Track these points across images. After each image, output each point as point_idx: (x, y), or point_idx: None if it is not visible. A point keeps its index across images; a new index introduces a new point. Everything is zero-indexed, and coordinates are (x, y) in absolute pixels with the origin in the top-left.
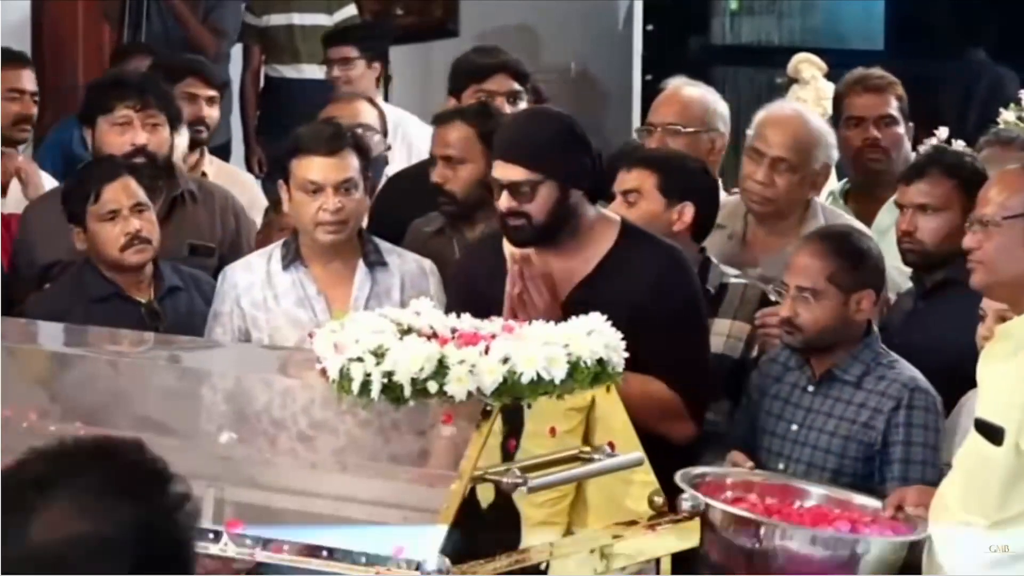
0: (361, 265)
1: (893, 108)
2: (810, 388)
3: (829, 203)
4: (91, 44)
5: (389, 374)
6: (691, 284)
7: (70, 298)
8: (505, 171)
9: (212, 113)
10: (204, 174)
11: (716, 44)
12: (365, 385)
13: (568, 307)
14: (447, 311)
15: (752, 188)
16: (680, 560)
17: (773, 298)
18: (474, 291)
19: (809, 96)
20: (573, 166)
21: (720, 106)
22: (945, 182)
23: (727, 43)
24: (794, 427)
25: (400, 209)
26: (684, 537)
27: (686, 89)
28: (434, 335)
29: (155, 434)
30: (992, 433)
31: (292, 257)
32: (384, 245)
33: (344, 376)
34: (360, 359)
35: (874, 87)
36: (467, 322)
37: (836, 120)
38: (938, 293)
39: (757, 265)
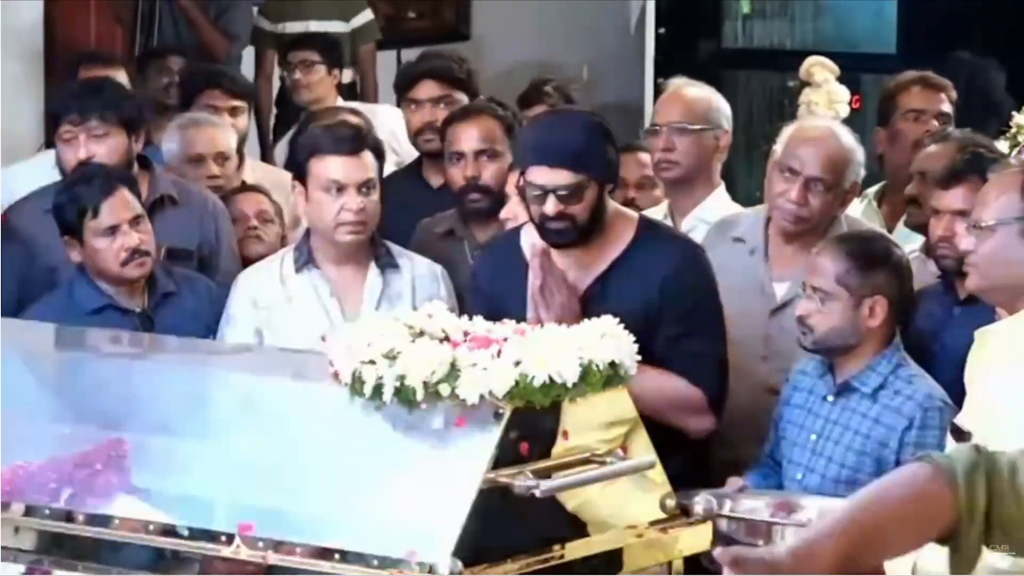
0: (373, 267)
1: (948, 108)
2: (829, 398)
3: (863, 206)
4: (104, 48)
5: (401, 377)
6: (707, 277)
7: (62, 312)
8: (551, 176)
9: (238, 123)
10: (244, 182)
11: (728, 48)
12: (377, 388)
13: (585, 302)
14: (469, 314)
15: (785, 207)
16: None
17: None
18: (495, 292)
19: (821, 99)
20: (610, 165)
21: (723, 104)
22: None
23: (739, 46)
24: (813, 436)
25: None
26: (696, 540)
27: (688, 88)
28: (446, 338)
29: (169, 437)
30: (960, 437)
31: (305, 260)
32: (395, 248)
33: (356, 379)
34: (372, 362)
35: (934, 85)
36: (479, 325)
37: (885, 118)
38: (975, 299)
39: (782, 281)
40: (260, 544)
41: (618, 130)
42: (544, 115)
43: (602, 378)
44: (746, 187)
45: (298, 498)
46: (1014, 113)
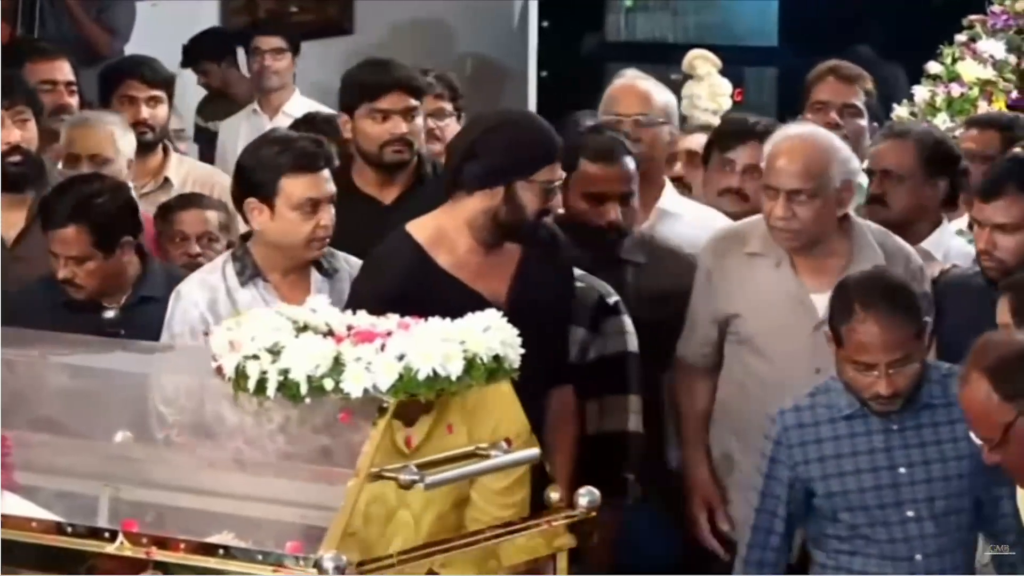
0: (315, 274)
1: (859, 100)
2: (894, 427)
3: None
4: None
5: (285, 372)
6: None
7: (41, 300)
8: (561, 170)
9: (156, 113)
10: (167, 179)
11: (611, 40)
12: (261, 383)
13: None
14: None
15: (776, 225)
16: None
17: None
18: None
19: (704, 92)
20: None
21: (672, 99)
22: (1022, 199)
23: (622, 39)
24: (902, 470)
25: None
26: (581, 533)
27: (642, 82)
28: (330, 332)
29: (51, 434)
30: None
31: (252, 272)
32: (331, 251)
33: (240, 374)
34: (256, 357)
35: (844, 76)
36: (363, 319)
37: (801, 107)
38: None
39: (819, 293)
40: (144, 540)
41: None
42: (515, 117)
43: (486, 371)
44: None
45: (182, 494)
46: (895, 105)
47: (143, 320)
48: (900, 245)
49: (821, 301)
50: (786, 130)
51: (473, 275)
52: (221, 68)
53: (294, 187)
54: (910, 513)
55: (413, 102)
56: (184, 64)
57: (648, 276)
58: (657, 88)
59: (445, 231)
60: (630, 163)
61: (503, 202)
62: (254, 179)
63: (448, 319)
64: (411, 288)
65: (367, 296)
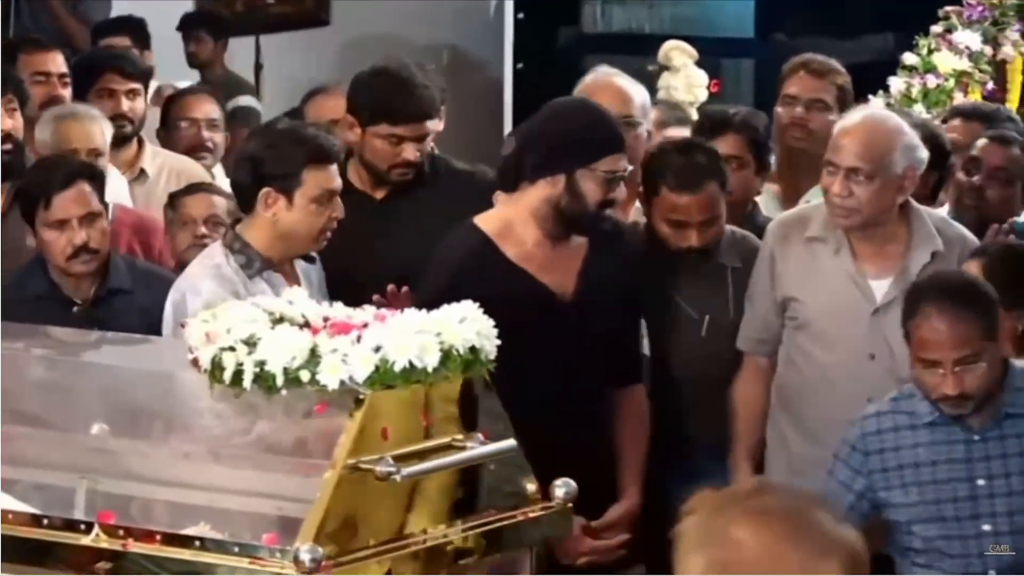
0: (299, 261)
1: (828, 95)
2: (976, 437)
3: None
4: None
5: (261, 364)
6: None
7: (14, 292)
8: (625, 161)
9: (135, 106)
10: (143, 171)
11: (588, 32)
12: (237, 375)
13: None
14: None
15: (833, 201)
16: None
17: None
18: None
19: (680, 83)
20: None
21: (646, 95)
22: None
23: (598, 31)
24: (980, 482)
25: None
26: (557, 525)
27: (618, 80)
28: (306, 324)
29: (28, 427)
30: None
31: (260, 264)
32: None
33: (216, 366)
34: (232, 348)
35: (814, 71)
36: (339, 311)
37: (776, 98)
38: None
39: (878, 279)
40: (120, 532)
41: (478, 115)
42: (578, 105)
43: (462, 363)
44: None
45: (158, 486)
46: (870, 97)
47: (115, 312)
48: (959, 232)
49: (880, 287)
50: (860, 110)
51: (540, 267)
52: (216, 46)
53: (316, 178)
54: (987, 527)
55: (430, 127)
56: (183, 25)
57: (746, 278)
58: (633, 86)
59: (512, 223)
60: (713, 187)
61: (564, 191)
62: (272, 170)
63: (516, 311)
64: (479, 280)
65: (436, 289)
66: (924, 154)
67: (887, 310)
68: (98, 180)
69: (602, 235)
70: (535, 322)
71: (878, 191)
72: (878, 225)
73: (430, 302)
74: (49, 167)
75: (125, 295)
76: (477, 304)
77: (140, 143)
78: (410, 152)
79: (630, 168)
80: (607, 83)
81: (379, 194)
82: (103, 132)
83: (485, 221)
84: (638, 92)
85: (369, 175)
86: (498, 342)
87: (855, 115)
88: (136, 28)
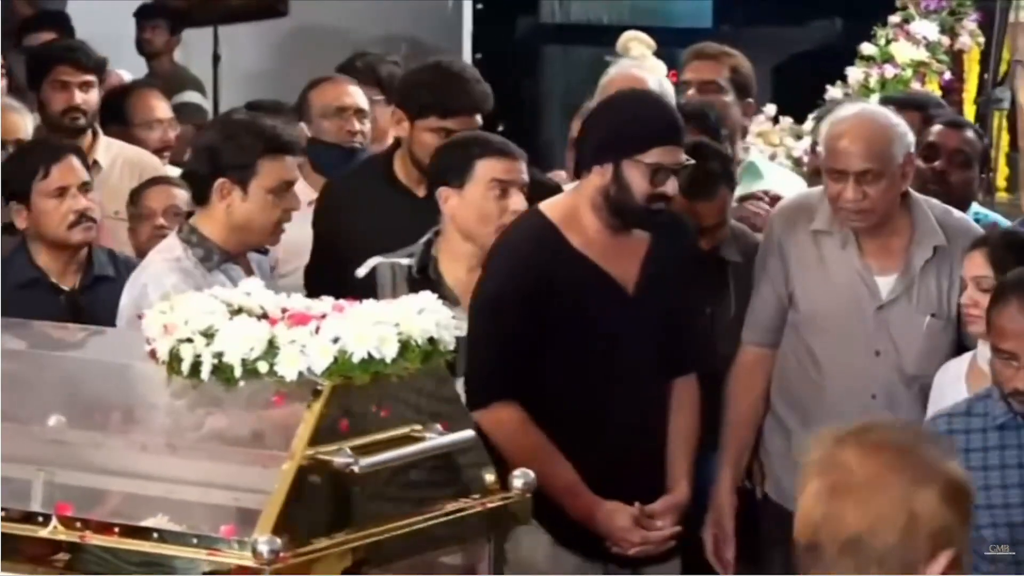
0: (252, 252)
1: (722, 77)
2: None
3: None
4: None
5: (219, 355)
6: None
7: None
8: (680, 155)
9: (89, 99)
10: (96, 162)
11: (546, 23)
12: (195, 366)
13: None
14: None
15: (846, 207)
16: None
17: None
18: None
19: None
20: None
21: (668, 87)
22: None
23: (557, 21)
24: None
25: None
26: (516, 515)
27: (636, 71)
28: (264, 315)
29: None
30: None
31: (220, 256)
32: None
33: (174, 357)
34: (190, 340)
35: (704, 55)
36: (297, 302)
37: None
38: None
39: (883, 275)
40: (78, 524)
41: None
42: (637, 95)
43: (421, 354)
44: (563, 160)
45: (116, 478)
46: (828, 87)
47: (100, 300)
48: (962, 224)
49: (885, 284)
50: (841, 111)
51: (603, 256)
52: (171, 39)
53: (272, 169)
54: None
55: (479, 121)
56: (141, 12)
57: (747, 274)
58: (651, 78)
59: (576, 210)
60: (725, 191)
61: (612, 181)
62: (228, 160)
63: (579, 299)
64: (544, 267)
65: (501, 277)
66: (912, 137)
67: (892, 306)
68: (81, 157)
69: (663, 227)
70: (598, 310)
71: (887, 187)
72: (887, 219)
73: (496, 287)
74: (36, 145)
75: (110, 282)
76: (543, 290)
77: (95, 134)
78: None
79: (690, 162)
80: (622, 76)
81: (421, 191)
82: (26, 125)
83: (550, 208)
84: (653, 83)
85: (417, 170)
86: (459, 332)
87: (843, 117)
88: (62, 23)
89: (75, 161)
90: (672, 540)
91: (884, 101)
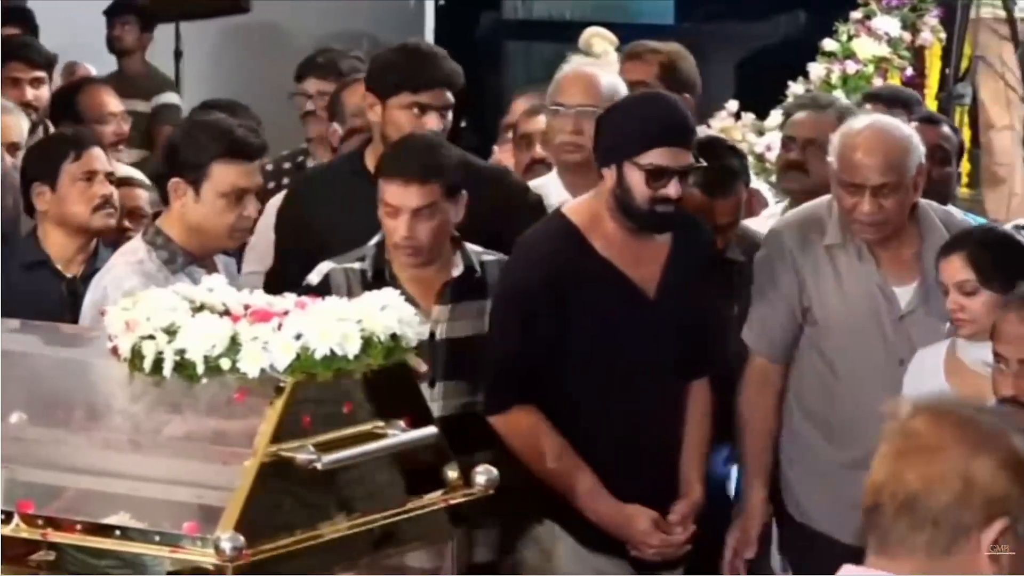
0: (220, 256)
1: (649, 75)
2: None
3: None
4: None
5: (181, 352)
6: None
7: (7, 260)
8: (678, 157)
9: (40, 95)
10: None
11: (508, 19)
12: (157, 363)
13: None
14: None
15: (863, 220)
16: None
17: None
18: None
19: None
20: None
21: (623, 88)
22: None
23: (519, 18)
24: None
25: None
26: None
27: (587, 70)
28: (227, 312)
29: None
30: None
31: (184, 259)
32: None
33: (136, 354)
34: (152, 337)
35: (633, 55)
36: (259, 298)
37: None
38: None
39: (900, 285)
40: (39, 522)
41: None
42: (646, 96)
43: (383, 350)
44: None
45: (78, 475)
46: (790, 83)
47: None
48: (964, 223)
49: (903, 294)
50: (853, 123)
51: (625, 259)
52: (142, 36)
53: (225, 173)
54: None
55: (451, 98)
56: (111, 10)
57: (748, 272)
58: (607, 78)
59: (598, 213)
60: (741, 189)
61: (616, 183)
62: (183, 159)
63: (599, 302)
64: (567, 271)
65: (523, 279)
66: (923, 148)
67: (911, 316)
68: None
69: (682, 231)
70: (618, 314)
71: (903, 199)
72: (901, 229)
73: (516, 288)
74: (64, 133)
75: None
76: (563, 292)
77: (46, 131)
78: (434, 122)
79: (700, 163)
80: (574, 74)
81: None
82: (20, 126)
83: (573, 211)
84: (606, 82)
85: None
86: (423, 330)
87: (857, 130)
88: (24, 19)
89: (102, 152)
90: (689, 544)
91: (869, 97)
